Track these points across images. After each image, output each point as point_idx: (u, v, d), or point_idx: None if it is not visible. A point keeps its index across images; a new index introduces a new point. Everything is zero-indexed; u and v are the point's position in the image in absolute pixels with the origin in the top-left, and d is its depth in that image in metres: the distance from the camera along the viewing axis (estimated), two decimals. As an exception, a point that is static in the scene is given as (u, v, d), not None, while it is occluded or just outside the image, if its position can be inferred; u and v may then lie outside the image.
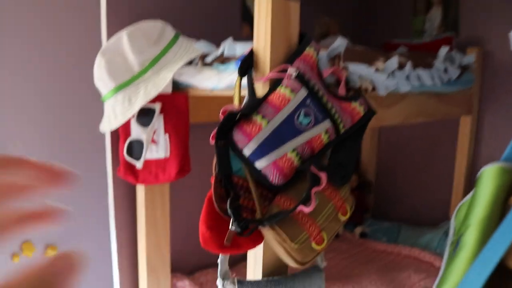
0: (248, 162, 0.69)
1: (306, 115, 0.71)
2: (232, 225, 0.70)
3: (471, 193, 0.70)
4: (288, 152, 0.69)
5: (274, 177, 0.69)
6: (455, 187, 1.72)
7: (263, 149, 0.69)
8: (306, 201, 0.68)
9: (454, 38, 1.64)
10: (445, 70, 1.28)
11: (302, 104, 0.71)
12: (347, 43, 0.86)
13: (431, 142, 1.87)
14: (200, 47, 1.06)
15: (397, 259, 1.64)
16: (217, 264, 0.80)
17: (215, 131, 0.70)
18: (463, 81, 1.43)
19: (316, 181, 0.69)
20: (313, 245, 0.72)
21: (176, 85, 1.10)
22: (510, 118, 1.62)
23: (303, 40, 0.77)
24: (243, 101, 0.77)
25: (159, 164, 1.07)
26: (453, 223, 0.73)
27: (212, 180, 0.72)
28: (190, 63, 1.06)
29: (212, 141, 0.70)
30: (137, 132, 1.06)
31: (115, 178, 1.20)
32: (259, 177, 0.70)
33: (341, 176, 0.74)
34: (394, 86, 1.01)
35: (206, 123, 1.26)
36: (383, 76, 0.93)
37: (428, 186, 1.89)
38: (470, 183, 1.72)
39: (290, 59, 0.74)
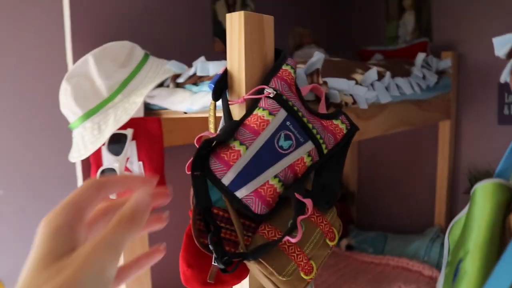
0: (228, 192, 0.64)
1: (286, 138, 0.67)
2: (214, 261, 0.65)
3: (465, 210, 0.66)
4: (270, 179, 0.65)
5: (256, 207, 0.65)
6: (438, 192, 1.70)
7: (243, 178, 0.64)
8: (292, 231, 0.64)
9: (428, 43, 1.63)
10: (423, 77, 1.26)
11: (282, 127, 0.67)
12: (324, 56, 0.82)
13: (411, 149, 1.85)
14: (171, 67, 1.01)
15: (385, 270, 1.60)
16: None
17: (190, 161, 0.64)
18: (441, 86, 1.41)
19: (302, 208, 0.65)
20: (302, 275, 0.67)
21: (148, 108, 1.05)
22: (487, 120, 1.61)
23: (279, 57, 0.73)
24: (219, 123, 0.72)
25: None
26: (447, 241, 0.69)
27: (191, 214, 0.67)
28: (161, 84, 1.01)
29: (188, 172, 0.65)
30: (109, 160, 1.00)
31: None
32: (241, 208, 0.65)
33: (326, 200, 0.70)
34: (374, 98, 0.98)
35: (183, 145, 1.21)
36: (363, 89, 0.90)
37: (411, 193, 1.87)
38: (453, 187, 1.71)
39: (266, 78, 0.70)
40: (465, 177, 1.66)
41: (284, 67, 0.71)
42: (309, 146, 0.68)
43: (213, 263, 0.66)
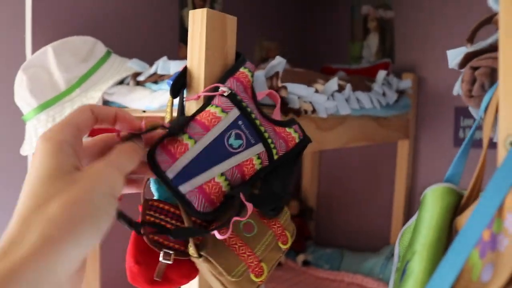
0: (171, 186, 0.61)
1: (237, 137, 0.65)
2: (162, 258, 0.63)
3: (414, 216, 0.67)
4: (216, 176, 0.63)
5: (199, 204, 0.62)
6: (394, 211, 1.73)
7: (188, 172, 0.61)
8: (222, 226, 0.62)
9: (391, 64, 1.67)
10: (383, 94, 1.29)
11: (233, 125, 0.66)
12: (286, 65, 0.83)
13: (371, 167, 1.88)
14: (133, 65, 1.00)
15: (340, 286, 1.60)
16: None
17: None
18: (400, 105, 1.45)
19: (242, 210, 0.63)
20: (252, 277, 0.66)
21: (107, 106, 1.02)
22: (443, 141, 1.65)
23: (238, 59, 0.73)
24: (174, 122, 0.71)
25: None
26: (397, 248, 0.69)
27: (140, 208, 0.65)
28: (121, 82, 1.00)
29: None
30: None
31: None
32: (184, 203, 0.62)
33: (272, 208, 0.69)
34: (334, 109, 0.99)
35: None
36: (323, 98, 0.91)
37: (368, 210, 1.89)
38: (410, 207, 1.74)
39: (223, 78, 0.69)
40: (420, 196, 1.69)
41: (242, 69, 0.71)
42: (259, 148, 0.67)
43: (161, 259, 0.64)
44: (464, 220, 0.53)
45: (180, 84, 0.70)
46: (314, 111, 0.94)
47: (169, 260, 0.64)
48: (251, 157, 0.66)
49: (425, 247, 0.53)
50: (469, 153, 0.64)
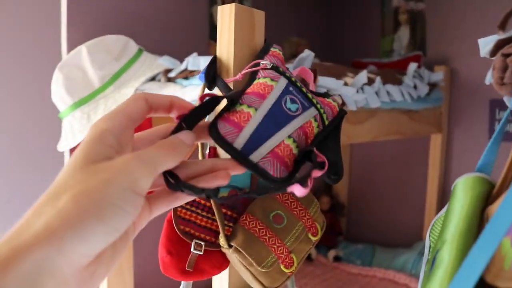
0: (242, 157, 0.57)
1: (292, 101, 0.64)
2: (193, 249, 0.65)
3: (445, 207, 0.67)
4: (285, 138, 0.60)
5: (275, 169, 0.59)
6: (427, 206, 1.70)
7: (256, 139, 0.59)
8: (304, 180, 0.56)
9: (422, 57, 1.64)
10: (415, 87, 1.27)
11: (286, 91, 0.64)
12: (315, 59, 0.83)
13: (403, 162, 1.85)
14: (164, 62, 1.02)
15: (372, 281, 1.59)
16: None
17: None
18: (432, 98, 1.42)
19: (321, 164, 0.59)
20: (282, 268, 0.66)
21: (139, 103, 1.05)
22: (477, 135, 1.62)
23: (266, 43, 0.73)
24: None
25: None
26: (428, 240, 0.69)
27: None
28: (153, 79, 1.02)
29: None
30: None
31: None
32: (257, 172, 0.58)
33: (334, 172, 0.66)
34: (364, 101, 0.99)
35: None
36: (353, 90, 0.91)
37: (401, 206, 1.86)
38: (442, 202, 1.71)
39: (259, 56, 0.69)
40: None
41: (272, 49, 0.71)
42: (314, 111, 0.65)
43: (192, 250, 0.66)
44: (496, 209, 0.53)
45: (212, 72, 0.70)
46: (343, 104, 0.94)
47: (200, 250, 0.66)
48: (309, 119, 0.64)
49: (455, 237, 0.52)
50: (501, 146, 0.63)
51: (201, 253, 0.65)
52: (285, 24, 1.81)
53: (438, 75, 1.42)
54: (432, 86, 1.44)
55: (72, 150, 1.07)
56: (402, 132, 1.30)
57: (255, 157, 0.58)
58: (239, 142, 0.58)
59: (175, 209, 0.67)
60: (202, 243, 0.66)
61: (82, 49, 0.98)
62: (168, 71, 0.98)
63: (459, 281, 0.46)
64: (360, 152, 2.00)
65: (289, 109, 0.64)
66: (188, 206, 0.68)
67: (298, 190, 0.57)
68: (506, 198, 0.47)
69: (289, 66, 0.81)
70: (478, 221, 0.54)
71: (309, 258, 1.79)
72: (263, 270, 0.64)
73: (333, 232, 1.86)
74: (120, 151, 0.41)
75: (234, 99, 0.61)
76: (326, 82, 0.85)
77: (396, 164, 1.87)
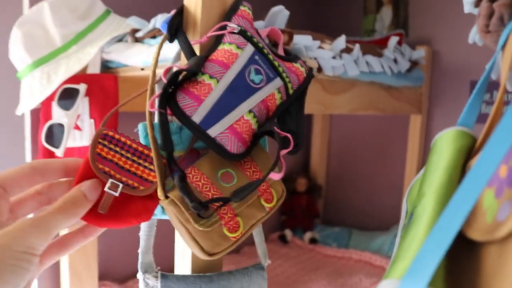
0: (200, 131, 0.56)
1: (257, 72, 0.61)
2: (108, 188, 0.55)
3: (422, 170, 0.63)
4: (245, 114, 0.58)
5: (232, 145, 0.58)
6: (405, 189, 1.67)
7: (216, 113, 0.57)
8: (275, 166, 0.56)
9: (404, 36, 1.61)
10: (395, 61, 1.23)
11: (251, 61, 0.61)
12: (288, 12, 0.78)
13: (381, 144, 1.82)
14: (132, 22, 0.96)
15: (348, 263, 1.56)
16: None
17: (155, 97, 0.57)
18: (413, 77, 1.39)
19: (285, 142, 0.58)
20: (225, 231, 0.58)
21: (105, 66, 0.99)
22: (457, 117, 1.58)
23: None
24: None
25: (83, 152, 0.95)
26: (404, 205, 0.65)
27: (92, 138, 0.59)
28: (120, 40, 0.96)
29: (151, 109, 0.58)
30: (58, 115, 0.94)
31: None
32: (215, 147, 0.57)
33: (293, 144, 0.63)
34: (341, 69, 0.94)
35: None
36: (329, 53, 0.86)
37: (379, 189, 1.84)
38: (421, 185, 1.68)
39: (227, 16, 0.65)
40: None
41: (242, 7, 0.66)
42: (278, 82, 0.62)
43: (106, 189, 0.55)
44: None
45: (178, 21, 0.65)
46: (320, 70, 0.89)
47: (115, 191, 0.57)
48: (273, 92, 0.62)
49: (435, 189, 0.48)
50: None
51: (117, 194, 0.57)
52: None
53: (420, 52, 1.39)
54: (413, 64, 1.40)
55: (33, 113, 1.01)
56: (382, 109, 1.27)
57: (213, 131, 0.57)
58: (198, 116, 0.56)
59: (93, 146, 0.59)
60: (120, 184, 0.58)
61: (44, 5, 0.92)
62: (135, 31, 0.93)
63: (437, 234, 0.42)
64: (338, 133, 1.96)
65: (253, 81, 0.61)
66: (111, 146, 0.60)
67: (275, 176, 0.56)
68: (490, 141, 0.43)
69: (260, 23, 0.76)
70: (460, 175, 0.50)
71: (284, 240, 1.75)
72: (200, 229, 0.56)
73: (309, 214, 1.82)
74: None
75: (197, 70, 0.58)
76: (301, 40, 0.80)
77: (375, 146, 1.84)
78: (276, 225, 1.88)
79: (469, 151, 0.53)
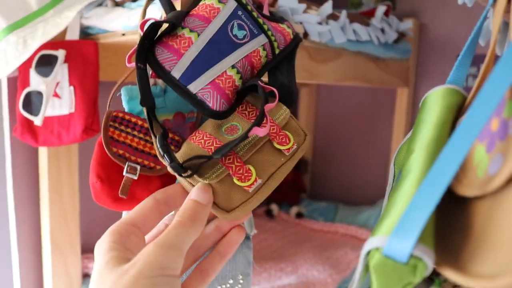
0: (180, 87, 0.54)
1: (240, 27, 0.58)
2: (126, 172, 0.57)
3: (410, 132, 0.61)
4: (227, 69, 0.56)
5: (215, 102, 0.55)
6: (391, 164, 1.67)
7: (197, 68, 0.54)
8: (260, 121, 0.53)
9: (391, 8, 1.58)
10: (382, 31, 1.21)
11: (234, 15, 0.59)
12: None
13: (368, 119, 1.81)
14: (112, -14, 0.92)
15: (334, 237, 1.56)
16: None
17: (132, 50, 0.54)
18: (400, 49, 1.37)
19: (269, 95, 0.55)
20: (236, 181, 0.54)
21: (85, 33, 0.95)
22: (446, 91, 1.58)
23: None
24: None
25: (62, 121, 0.92)
26: (392, 168, 0.63)
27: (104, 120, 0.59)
28: (100, 5, 0.92)
29: (128, 64, 0.55)
30: (36, 82, 0.90)
31: (14, 141, 1.03)
32: (196, 104, 0.55)
33: (285, 98, 0.60)
34: (328, 35, 0.92)
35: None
36: (316, 18, 0.84)
37: (365, 164, 1.84)
38: (407, 159, 1.68)
39: None
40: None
41: None
42: (263, 39, 0.60)
43: (125, 173, 0.58)
44: (468, 116, 0.47)
45: None
46: (306, 35, 0.87)
47: (134, 174, 0.58)
48: (257, 48, 0.59)
49: (424, 145, 0.46)
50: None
51: (136, 177, 0.58)
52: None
53: (407, 24, 1.37)
54: (401, 36, 1.38)
55: (10, 81, 0.98)
56: (369, 80, 1.25)
57: (194, 87, 0.55)
58: (178, 71, 0.54)
59: (105, 130, 0.59)
60: (138, 166, 0.59)
61: (19, -33, 0.88)
62: (116, -5, 0.89)
63: (426, 189, 0.40)
64: (325, 108, 1.95)
65: (236, 36, 0.58)
66: (122, 127, 0.61)
67: (259, 131, 0.53)
68: (479, 97, 0.41)
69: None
70: (449, 132, 0.49)
71: (270, 215, 1.74)
72: (205, 182, 0.53)
73: (296, 189, 1.82)
74: (132, 252, 0.44)
75: (176, 23, 0.55)
76: (287, 3, 0.78)
77: (362, 120, 1.83)
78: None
79: (459, 109, 0.51)
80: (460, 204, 0.43)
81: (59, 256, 1.06)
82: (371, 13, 1.41)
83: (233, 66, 0.56)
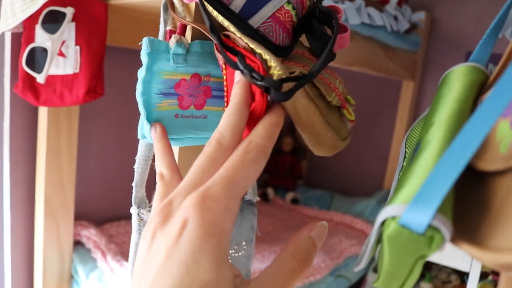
0: (241, 21, 0.50)
1: None
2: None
3: (424, 113, 0.60)
4: (285, 3, 0.52)
5: (277, 36, 0.52)
6: (391, 157, 1.66)
7: (255, 1, 0.51)
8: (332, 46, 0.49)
9: (404, 0, 1.57)
10: (395, 18, 1.20)
11: None
12: None
13: (371, 111, 1.80)
14: None
15: (328, 225, 1.54)
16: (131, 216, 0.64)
17: None
18: (410, 40, 1.36)
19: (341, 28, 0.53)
20: (345, 112, 0.54)
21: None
22: (452, 87, 1.57)
23: None
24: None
25: (66, 81, 0.90)
26: (403, 148, 0.62)
27: None
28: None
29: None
30: (42, 38, 0.88)
31: (14, 98, 1.01)
32: (257, 39, 0.51)
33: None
34: (343, 15, 0.90)
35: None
36: (333, -5, 0.82)
37: (364, 155, 1.83)
38: (407, 154, 1.67)
39: None
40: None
41: None
42: None
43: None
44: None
45: None
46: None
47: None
48: None
49: (445, 118, 0.45)
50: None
51: None
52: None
53: (420, 15, 1.35)
54: (412, 27, 1.36)
55: (13, 37, 0.95)
56: (376, 68, 1.23)
57: (255, 21, 0.51)
58: (237, 4, 0.50)
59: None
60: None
61: None
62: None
63: (448, 161, 0.39)
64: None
65: None
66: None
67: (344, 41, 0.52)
68: (505, 74, 0.40)
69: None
70: (471, 108, 0.47)
71: (266, 199, 1.73)
72: (331, 105, 0.52)
73: (292, 175, 1.81)
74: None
75: None
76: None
77: (365, 113, 1.82)
78: (258, 183, 1.86)
79: (481, 87, 0.50)
80: (476, 182, 0.42)
81: (52, 221, 1.04)
82: (385, 1, 1.39)
83: (288, 2, 0.53)
